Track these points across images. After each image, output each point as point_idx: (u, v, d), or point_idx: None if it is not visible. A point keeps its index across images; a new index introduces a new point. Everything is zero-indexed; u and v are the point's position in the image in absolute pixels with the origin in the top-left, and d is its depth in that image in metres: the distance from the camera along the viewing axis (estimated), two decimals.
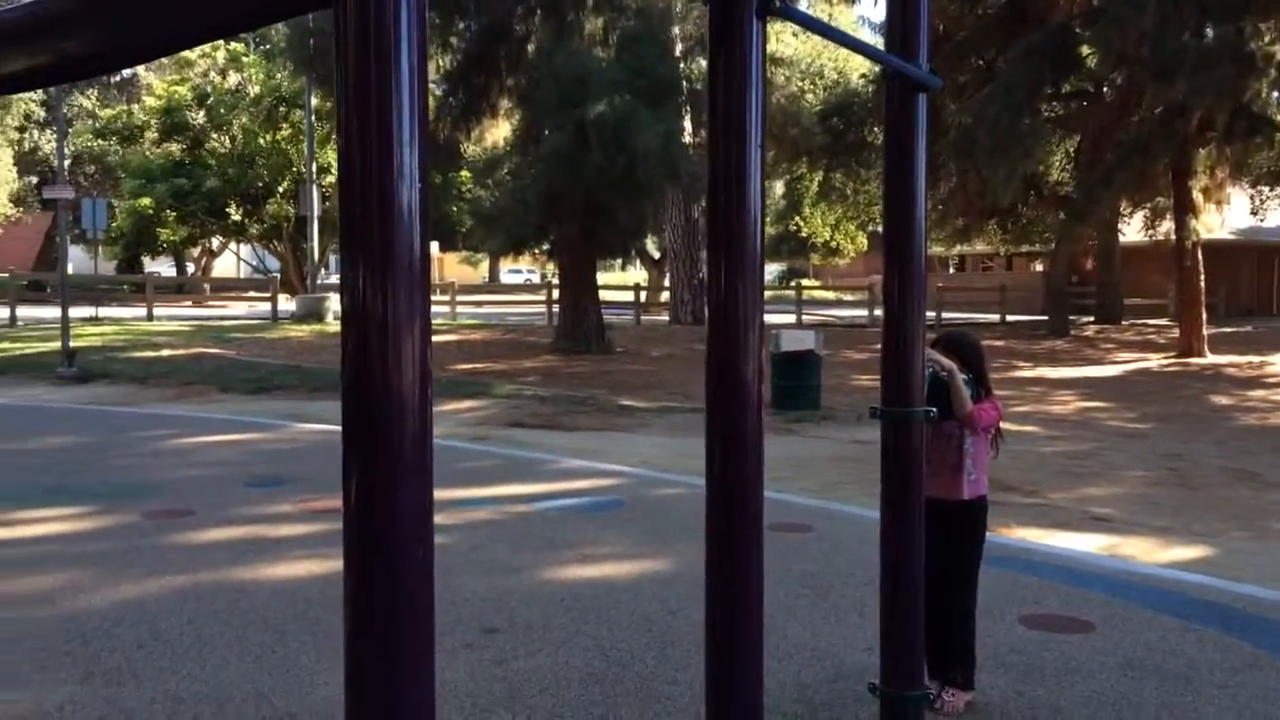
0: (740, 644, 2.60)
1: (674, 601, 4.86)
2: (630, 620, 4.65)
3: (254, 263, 45.34)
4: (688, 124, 21.33)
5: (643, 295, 30.35)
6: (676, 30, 21.10)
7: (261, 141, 33.57)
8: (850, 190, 28.79)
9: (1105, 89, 21.52)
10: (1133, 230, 30.26)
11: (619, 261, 26.65)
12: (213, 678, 4.04)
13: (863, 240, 39.48)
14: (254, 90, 34.56)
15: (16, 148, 36.95)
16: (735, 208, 2.56)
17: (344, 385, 1.78)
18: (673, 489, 7.44)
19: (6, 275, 25.53)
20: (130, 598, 4.96)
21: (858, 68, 26.62)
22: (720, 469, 2.60)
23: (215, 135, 34.11)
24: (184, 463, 8.30)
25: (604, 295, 20.10)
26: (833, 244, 40.87)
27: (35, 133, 38.06)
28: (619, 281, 34.60)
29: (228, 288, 36.37)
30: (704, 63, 22.92)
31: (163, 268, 44.94)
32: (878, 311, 27.44)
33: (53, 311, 20.86)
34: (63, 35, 2.68)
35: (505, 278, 52.86)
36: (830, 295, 41.49)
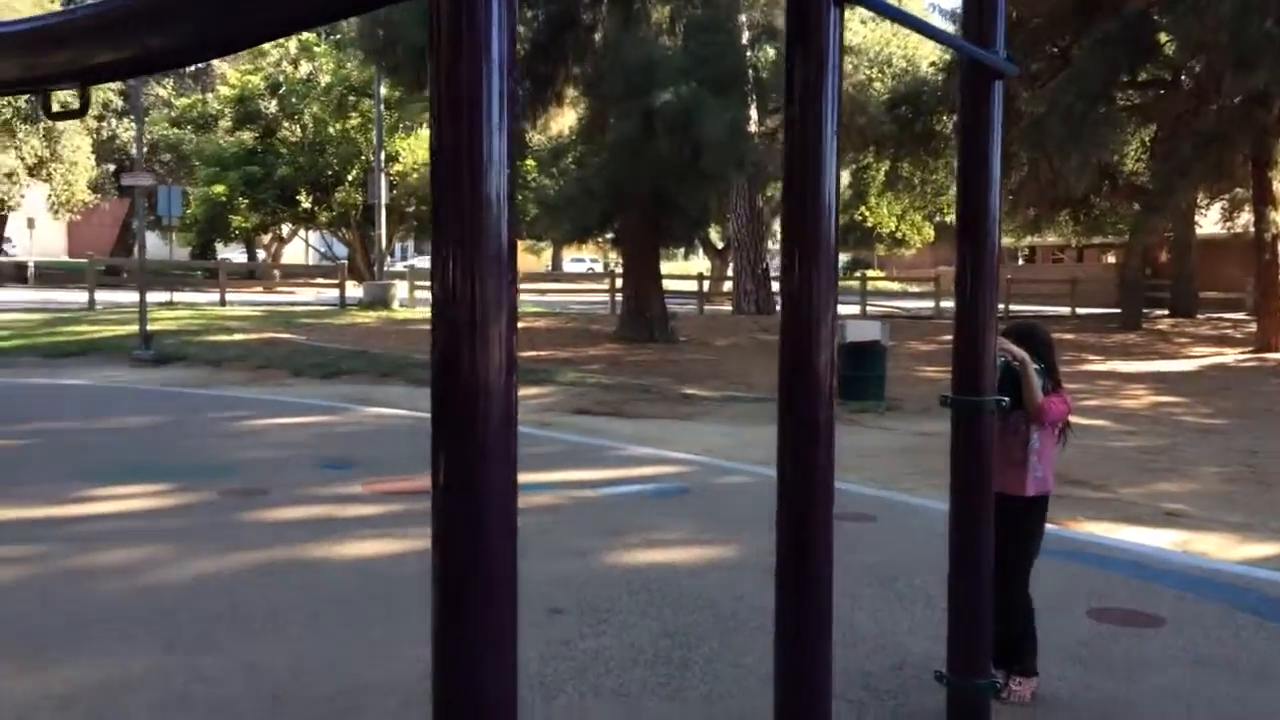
0: (810, 629, 2.62)
1: (739, 587, 4.88)
2: (696, 605, 4.69)
3: (322, 249, 46.10)
4: (754, 113, 21.24)
5: (706, 285, 30.34)
6: (743, 18, 21.01)
7: (331, 130, 34.11)
8: (917, 180, 28.45)
9: (1183, 77, 20.99)
10: (1209, 222, 29.51)
11: (682, 251, 26.65)
12: (289, 650, 4.16)
13: (930, 231, 38.99)
14: (324, 80, 35.10)
15: (95, 136, 37.89)
16: (811, 197, 2.57)
17: (434, 368, 1.84)
18: (737, 477, 7.46)
19: (86, 260, 26.27)
20: (209, 572, 5.12)
21: (927, 55, 26.27)
22: (792, 457, 2.62)
23: (287, 124, 34.72)
24: (258, 443, 8.51)
25: (667, 284, 20.12)
26: (899, 235, 40.45)
27: (112, 121, 38.98)
28: (681, 271, 34.60)
29: (297, 274, 37.05)
30: (770, 51, 22.83)
31: (233, 254, 45.86)
32: (944, 303, 27.07)
33: (129, 296, 21.44)
34: (148, 30, 2.77)
35: (567, 266, 53.10)
36: (895, 286, 41.08)
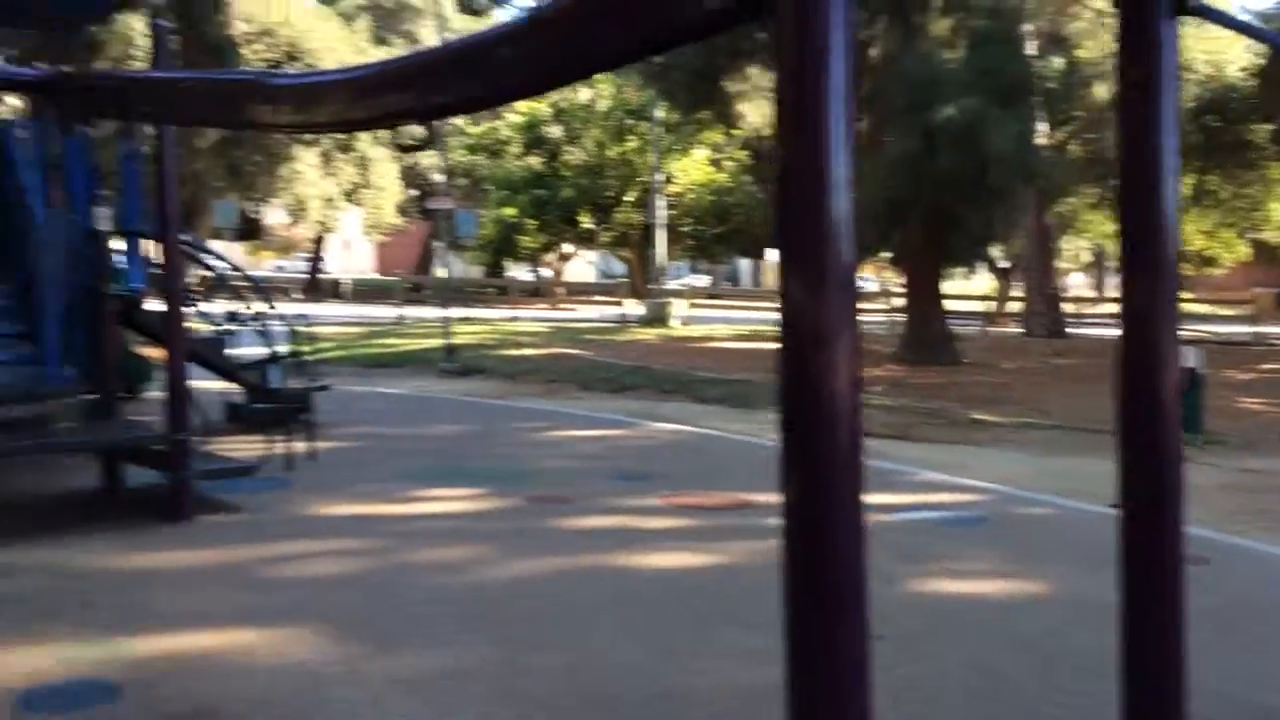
0: (1161, 678, 2.47)
1: (1053, 623, 4.68)
2: (1007, 639, 4.53)
3: (601, 268, 47.96)
4: (1042, 125, 20.28)
5: (990, 305, 29.20)
6: (1028, 27, 20.13)
7: (610, 153, 35.42)
8: (1228, 194, 26.20)
9: None
10: None
11: (963, 269, 25.76)
12: (604, 653, 4.36)
13: (1244, 249, 35.62)
14: (604, 105, 36.55)
15: (400, 163, 41.16)
16: (1149, 212, 2.45)
17: (782, 387, 1.89)
18: (1038, 508, 7.13)
19: (395, 278, 28.55)
20: (525, 573, 5.45)
21: (1235, 59, 24.15)
22: (1136, 489, 2.49)
23: (569, 148, 36.37)
24: (557, 454, 8.95)
25: (948, 304, 19.51)
26: (1207, 253, 37.24)
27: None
28: (961, 291, 33.42)
29: (578, 291, 38.73)
30: (1058, 60, 21.74)
31: (518, 272, 48.49)
32: (1263, 328, 24.54)
33: (431, 311, 23.10)
34: (477, 73, 2.97)
35: None
36: (1204, 309, 37.80)
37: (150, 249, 7.88)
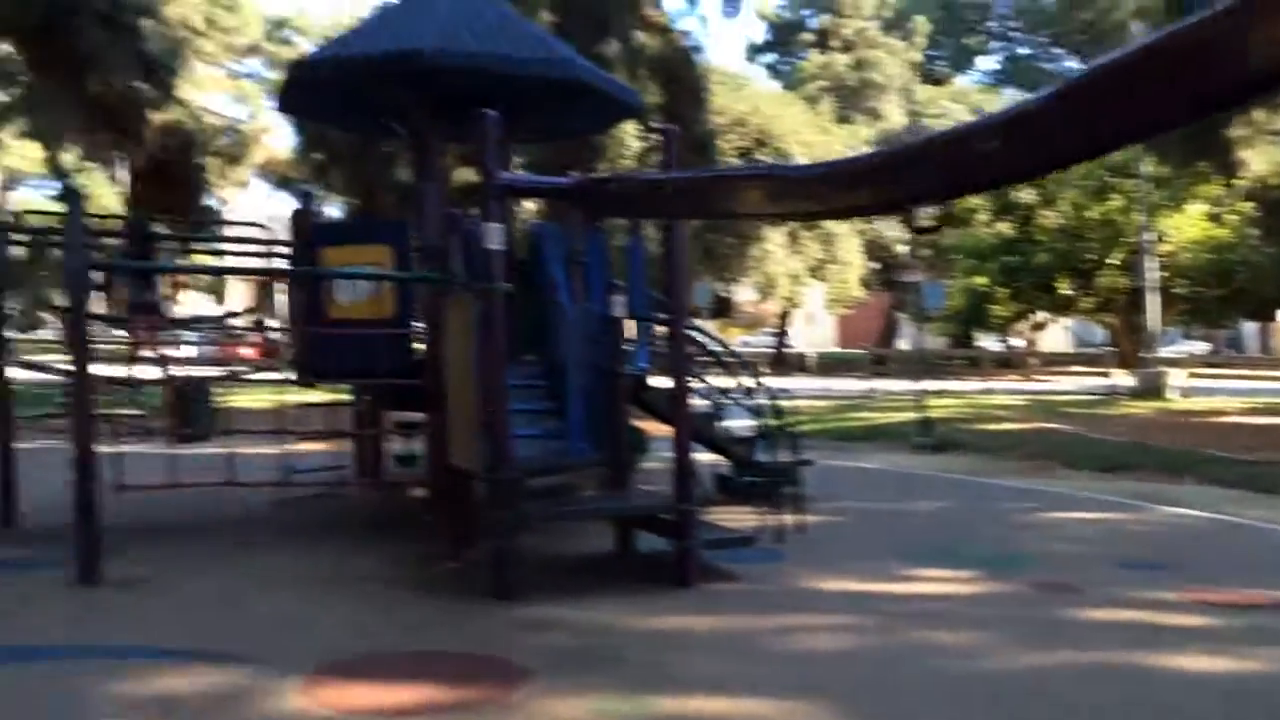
0: None
1: None
2: None
3: (1078, 335, 44.95)
4: None
5: None
6: None
7: (1091, 214, 33.18)
8: None
9: None
10: None
11: None
12: None
13: None
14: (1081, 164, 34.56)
15: (862, 236, 41.67)
16: None
17: None
18: None
19: (861, 351, 28.78)
20: (1032, 665, 5.13)
21: None
22: None
23: (1044, 212, 34.65)
24: (1051, 536, 8.40)
25: None
26: None
27: (878, 223, 42.49)
28: None
29: (1053, 362, 36.56)
30: None
31: (987, 342, 46.87)
32: None
33: (897, 384, 22.92)
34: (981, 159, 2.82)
35: None
36: None
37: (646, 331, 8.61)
